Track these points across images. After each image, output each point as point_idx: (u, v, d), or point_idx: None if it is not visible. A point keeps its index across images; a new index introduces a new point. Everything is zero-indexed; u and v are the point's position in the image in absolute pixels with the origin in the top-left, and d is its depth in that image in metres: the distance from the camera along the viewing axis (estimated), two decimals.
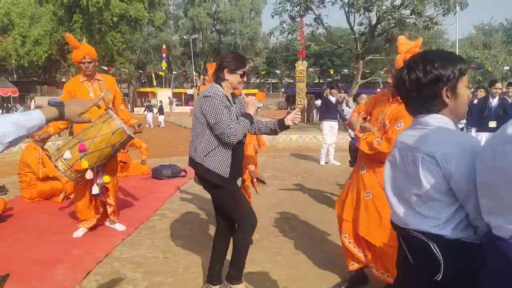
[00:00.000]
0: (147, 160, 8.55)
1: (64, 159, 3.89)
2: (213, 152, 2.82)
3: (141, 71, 42.55)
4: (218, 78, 2.90)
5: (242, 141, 2.94)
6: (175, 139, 15.26)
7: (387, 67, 25.32)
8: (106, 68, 26.89)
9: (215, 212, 3.22)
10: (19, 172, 5.78)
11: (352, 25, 19.21)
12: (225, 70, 2.85)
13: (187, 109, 36.70)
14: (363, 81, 20.66)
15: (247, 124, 2.84)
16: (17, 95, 11.28)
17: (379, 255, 2.95)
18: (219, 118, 2.72)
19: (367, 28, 19.11)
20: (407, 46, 2.86)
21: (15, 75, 39.01)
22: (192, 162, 2.94)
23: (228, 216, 3.05)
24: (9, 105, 11.24)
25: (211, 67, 4.02)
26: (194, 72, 44.66)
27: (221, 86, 2.89)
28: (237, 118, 2.88)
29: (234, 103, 2.99)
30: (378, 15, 17.68)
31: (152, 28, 41.52)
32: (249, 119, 2.87)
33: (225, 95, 2.86)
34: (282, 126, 2.96)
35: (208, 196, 5.98)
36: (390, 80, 2.87)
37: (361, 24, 19.47)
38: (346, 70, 39.36)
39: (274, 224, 4.81)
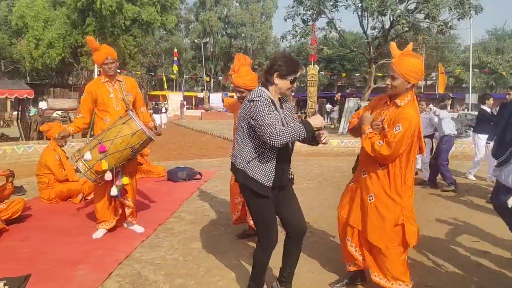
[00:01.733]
0: (161, 162, 8.58)
1: (85, 160, 3.91)
2: (256, 159, 2.70)
3: (152, 74, 42.82)
4: (267, 81, 2.76)
5: (289, 149, 2.81)
6: (187, 143, 15.29)
7: None
8: (118, 71, 27.08)
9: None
10: (37, 173, 5.80)
11: (365, 29, 19.16)
12: (275, 74, 2.71)
13: (198, 112, 36.81)
14: (375, 85, 20.56)
15: (300, 131, 2.58)
16: (32, 96, 11.35)
17: (379, 259, 3.00)
18: (263, 119, 2.57)
19: (380, 32, 19.04)
20: (399, 51, 2.94)
21: (28, 78, 39.49)
22: (234, 168, 2.84)
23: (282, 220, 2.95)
24: (25, 106, 11.42)
25: (239, 58, 4.02)
26: (204, 76, 44.85)
27: (268, 89, 2.75)
28: (284, 124, 2.72)
29: (282, 108, 2.83)
30: (391, 19, 17.61)
31: (164, 32, 41.77)
32: (306, 127, 2.59)
33: (271, 99, 2.71)
34: (315, 140, 2.84)
35: (224, 198, 6.02)
36: (388, 82, 2.91)
37: (374, 28, 19.42)
38: (358, 74, 39.19)
39: None
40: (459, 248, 4.26)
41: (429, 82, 41.55)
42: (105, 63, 4.24)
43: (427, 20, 17.26)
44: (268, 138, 2.54)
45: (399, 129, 2.76)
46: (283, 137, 2.54)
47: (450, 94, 16.81)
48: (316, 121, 2.65)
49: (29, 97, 11.19)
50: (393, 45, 3.04)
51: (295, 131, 2.57)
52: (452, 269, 3.71)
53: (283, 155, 2.76)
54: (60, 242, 4.15)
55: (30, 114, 14.28)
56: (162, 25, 33.64)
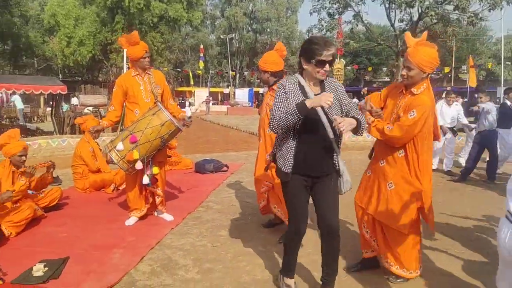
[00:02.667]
0: (189, 155, 8.79)
1: (117, 150, 4.08)
2: (279, 145, 2.71)
3: (179, 70, 43.39)
4: (299, 67, 2.66)
5: (317, 135, 2.58)
6: (214, 137, 15.49)
7: None
8: None
9: None
10: (73, 164, 6.09)
11: (393, 21, 18.86)
12: (301, 59, 2.61)
13: (224, 108, 37.01)
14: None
15: (292, 112, 2.43)
16: (65, 92, 11.76)
17: (394, 246, 3.08)
18: (273, 107, 2.60)
19: (408, 25, 18.72)
20: (414, 40, 2.96)
21: (60, 75, 40.71)
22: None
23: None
24: (59, 102, 11.95)
25: (280, 47, 4.17)
26: (230, 71, 45.11)
27: (302, 75, 2.66)
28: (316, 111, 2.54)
29: (324, 90, 2.64)
30: (420, 11, 17.28)
31: (190, 28, 42.21)
32: (299, 108, 2.43)
33: (300, 86, 2.63)
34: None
35: (251, 189, 6.13)
36: (404, 73, 2.94)
37: (402, 20, 19.14)
38: (385, 68, 38.57)
39: None
40: (485, 239, 4.24)
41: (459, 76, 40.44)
42: (143, 56, 4.41)
43: (456, 11, 16.87)
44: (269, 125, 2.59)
45: (413, 114, 2.84)
46: (276, 122, 2.50)
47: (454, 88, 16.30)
48: (315, 101, 2.45)
49: (62, 93, 11.59)
50: (407, 34, 3.08)
51: (286, 113, 2.46)
52: (475, 259, 3.70)
53: (309, 141, 2.59)
54: (95, 228, 4.37)
55: (63, 110, 14.81)
56: (188, 22, 34.05)
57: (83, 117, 6.87)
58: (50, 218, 4.71)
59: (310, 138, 2.60)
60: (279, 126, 2.52)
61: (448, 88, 22.80)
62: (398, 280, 3.15)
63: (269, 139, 3.99)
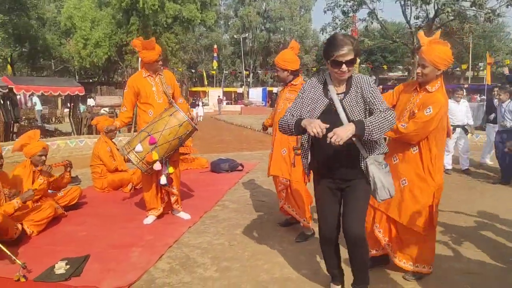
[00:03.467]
0: (204, 155, 8.84)
1: (136, 152, 4.12)
2: (302, 143, 2.72)
3: (193, 70, 43.62)
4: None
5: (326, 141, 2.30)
6: (228, 137, 15.55)
7: None
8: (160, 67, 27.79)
9: None
10: (91, 164, 6.19)
11: (408, 18, 18.65)
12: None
13: (237, 107, 37.09)
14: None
15: (291, 123, 2.50)
16: (82, 93, 11.95)
17: (407, 244, 3.11)
18: (288, 108, 2.67)
19: (424, 22, 18.47)
20: (428, 39, 3.01)
21: (77, 76, 41.29)
22: None
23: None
24: (76, 103, 12.18)
25: (295, 45, 4.22)
26: (243, 71, 45.18)
27: (329, 75, 2.60)
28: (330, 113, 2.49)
29: (347, 93, 2.51)
30: (436, 7, 17.05)
31: (204, 28, 42.39)
32: (296, 124, 2.46)
33: (324, 84, 2.60)
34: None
35: (266, 188, 6.15)
36: (418, 70, 2.99)
37: (417, 17, 18.87)
38: (400, 66, 38.15)
39: None
40: (506, 239, 4.17)
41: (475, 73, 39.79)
42: (157, 60, 4.45)
43: (473, 7, 16.58)
44: None
45: (429, 111, 2.89)
46: (280, 125, 2.61)
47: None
48: (306, 123, 2.37)
49: (80, 94, 11.77)
50: (421, 34, 3.13)
51: (287, 122, 2.55)
52: (494, 260, 3.65)
53: (323, 142, 2.34)
54: (114, 227, 4.44)
55: (80, 111, 15.03)
56: (202, 22, 34.15)
57: (97, 118, 6.99)
58: (70, 217, 4.79)
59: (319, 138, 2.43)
60: (283, 129, 2.59)
61: (465, 86, 22.46)
62: (413, 278, 3.16)
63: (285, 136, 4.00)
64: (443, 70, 2.96)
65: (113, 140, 6.40)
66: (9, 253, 3.38)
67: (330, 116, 2.46)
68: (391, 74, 46.29)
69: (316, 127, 2.29)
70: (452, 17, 17.32)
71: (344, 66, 2.40)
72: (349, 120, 2.44)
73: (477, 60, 34.50)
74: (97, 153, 6.08)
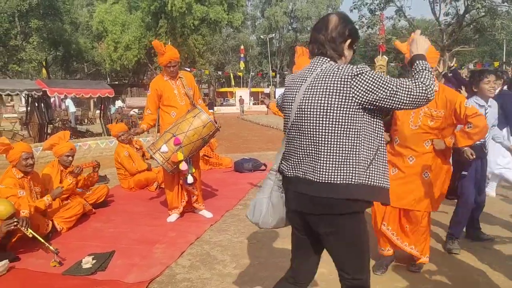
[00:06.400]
0: (228, 154, 8.95)
1: (162, 152, 4.25)
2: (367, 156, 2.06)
3: (220, 72, 44.00)
4: None
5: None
6: (253, 136, 15.64)
7: (476, 59, 23.60)
8: (188, 69, 28.26)
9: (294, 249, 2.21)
10: (116, 166, 6.45)
11: (438, 15, 18.25)
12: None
13: (264, 107, 37.05)
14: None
15: None
16: (112, 95, 12.32)
17: (413, 232, 3.24)
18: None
19: (454, 18, 18.03)
20: (404, 45, 3.10)
21: (108, 79, 42.40)
22: None
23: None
24: (106, 105, 12.62)
25: (297, 50, 4.17)
26: (270, 71, 45.23)
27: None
28: None
29: None
30: (466, 3, 16.61)
31: (231, 29, 42.72)
32: None
33: None
34: None
35: None
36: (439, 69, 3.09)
37: (447, 14, 18.47)
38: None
39: None
40: None
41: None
42: (167, 65, 4.57)
43: (505, 3, 16.04)
44: None
45: (466, 104, 2.96)
46: None
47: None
48: None
49: (110, 96, 12.12)
50: (397, 43, 3.26)
51: None
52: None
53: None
54: (139, 224, 4.60)
55: (111, 112, 15.49)
56: (229, 23, 34.39)
57: (111, 125, 7.30)
58: (97, 215, 5.00)
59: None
60: None
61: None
62: (418, 269, 3.28)
63: None
64: (433, 66, 3.09)
65: (132, 142, 6.66)
66: (42, 240, 3.59)
67: None
68: None
69: None
70: (483, 13, 16.83)
71: None
72: None
73: (511, 57, 33.30)
74: (117, 158, 6.33)
